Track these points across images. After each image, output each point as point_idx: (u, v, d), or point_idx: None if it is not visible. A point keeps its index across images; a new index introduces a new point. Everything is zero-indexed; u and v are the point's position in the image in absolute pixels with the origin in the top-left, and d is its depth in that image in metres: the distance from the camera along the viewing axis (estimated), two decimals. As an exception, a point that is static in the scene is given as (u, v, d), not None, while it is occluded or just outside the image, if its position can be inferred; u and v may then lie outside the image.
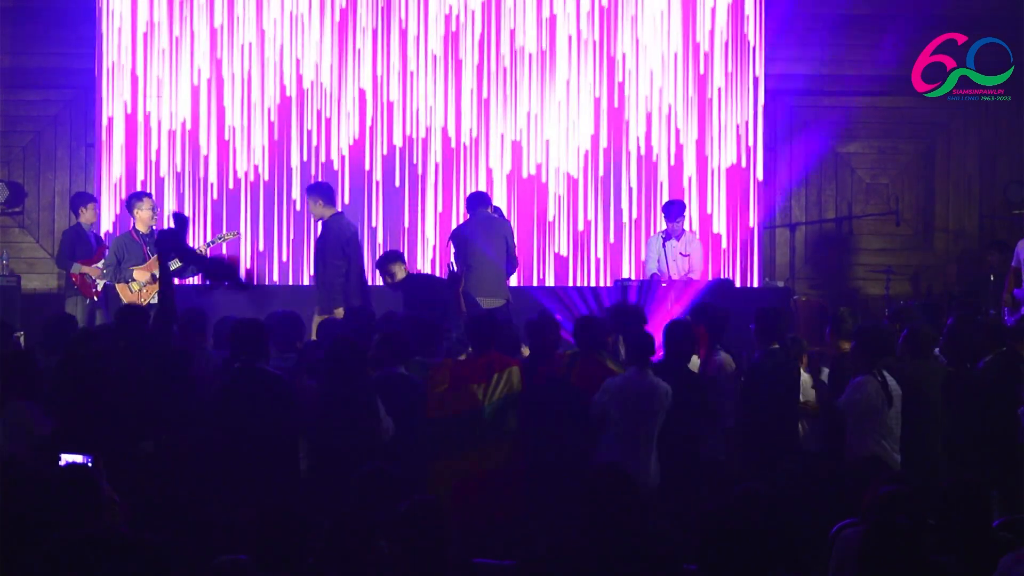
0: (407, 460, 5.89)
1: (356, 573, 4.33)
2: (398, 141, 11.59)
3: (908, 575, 4.40)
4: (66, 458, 4.81)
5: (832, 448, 6.39)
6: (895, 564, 4.40)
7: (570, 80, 11.58)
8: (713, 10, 11.61)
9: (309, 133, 11.57)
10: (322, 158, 11.56)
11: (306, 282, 11.09)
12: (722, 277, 11.23)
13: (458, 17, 11.58)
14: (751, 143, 11.60)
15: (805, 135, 11.95)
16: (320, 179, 11.21)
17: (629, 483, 4.58)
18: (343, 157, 11.60)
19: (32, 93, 11.74)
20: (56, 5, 11.64)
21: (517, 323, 7.34)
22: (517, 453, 6.24)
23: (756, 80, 11.59)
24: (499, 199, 11.15)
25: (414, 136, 11.57)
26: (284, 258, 11.48)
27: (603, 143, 11.61)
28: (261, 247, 11.57)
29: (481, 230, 9.56)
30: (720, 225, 11.61)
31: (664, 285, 9.92)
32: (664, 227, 10.69)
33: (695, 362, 6.79)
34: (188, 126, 11.54)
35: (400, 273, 8.82)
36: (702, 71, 11.61)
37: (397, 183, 11.56)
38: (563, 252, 11.63)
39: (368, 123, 11.56)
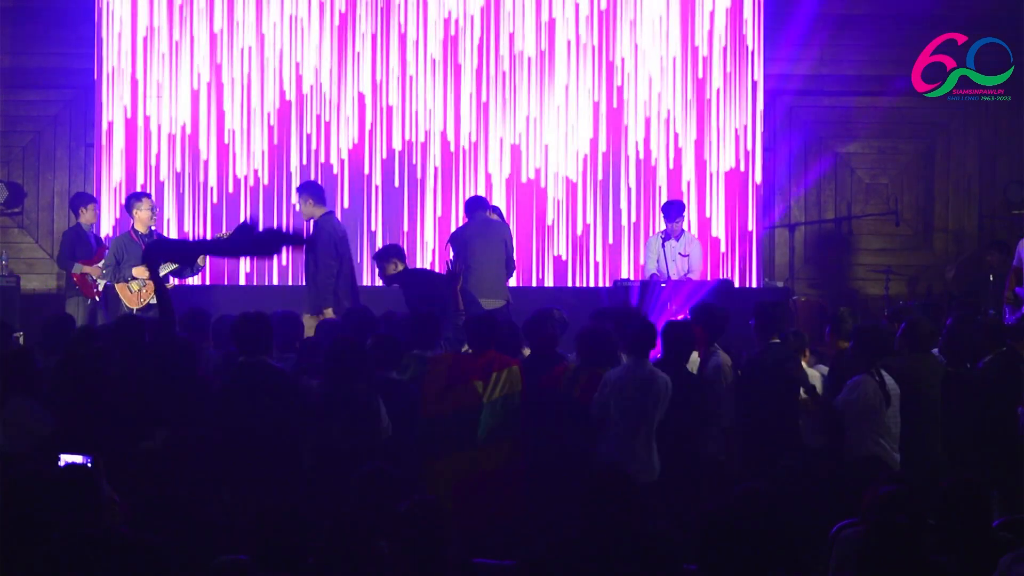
0: (403, 460, 5.88)
1: (356, 573, 4.33)
2: (397, 145, 11.60)
3: (908, 575, 4.40)
4: (66, 458, 4.81)
5: (832, 447, 6.38)
6: (895, 564, 4.40)
7: (569, 84, 11.60)
8: (712, 14, 11.63)
9: (308, 137, 11.58)
10: (321, 161, 11.57)
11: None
12: (722, 277, 11.23)
13: (457, 21, 11.60)
14: (750, 147, 11.62)
15: (804, 135, 11.97)
16: (320, 183, 11.21)
17: (629, 483, 4.57)
18: (342, 161, 11.62)
19: (32, 93, 11.76)
20: (56, 5, 11.66)
21: (518, 323, 7.32)
22: (517, 453, 6.24)
23: (755, 84, 11.61)
24: (498, 203, 11.15)
25: (413, 140, 11.59)
26: (284, 262, 11.49)
27: (602, 147, 11.62)
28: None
29: (480, 233, 9.58)
30: (719, 229, 11.62)
31: (663, 285, 9.92)
32: (663, 227, 10.71)
33: (695, 361, 6.79)
34: (188, 130, 11.56)
35: (399, 268, 8.84)
36: (701, 75, 11.63)
37: (396, 187, 11.57)
38: (562, 256, 11.64)
39: (367, 127, 11.58)
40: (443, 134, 11.59)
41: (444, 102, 11.58)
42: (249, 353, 5.95)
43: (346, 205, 11.56)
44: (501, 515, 6.14)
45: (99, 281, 9.99)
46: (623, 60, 11.61)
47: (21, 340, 9.18)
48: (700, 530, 4.35)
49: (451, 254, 9.62)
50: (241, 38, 11.56)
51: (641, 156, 11.64)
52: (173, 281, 10.18)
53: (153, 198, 10.40)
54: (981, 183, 11.98)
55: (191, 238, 11.24)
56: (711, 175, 11.64)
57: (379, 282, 9.56)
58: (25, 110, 11.81)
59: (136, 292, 9.48)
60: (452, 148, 11.60)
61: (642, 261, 11.23)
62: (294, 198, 11.44)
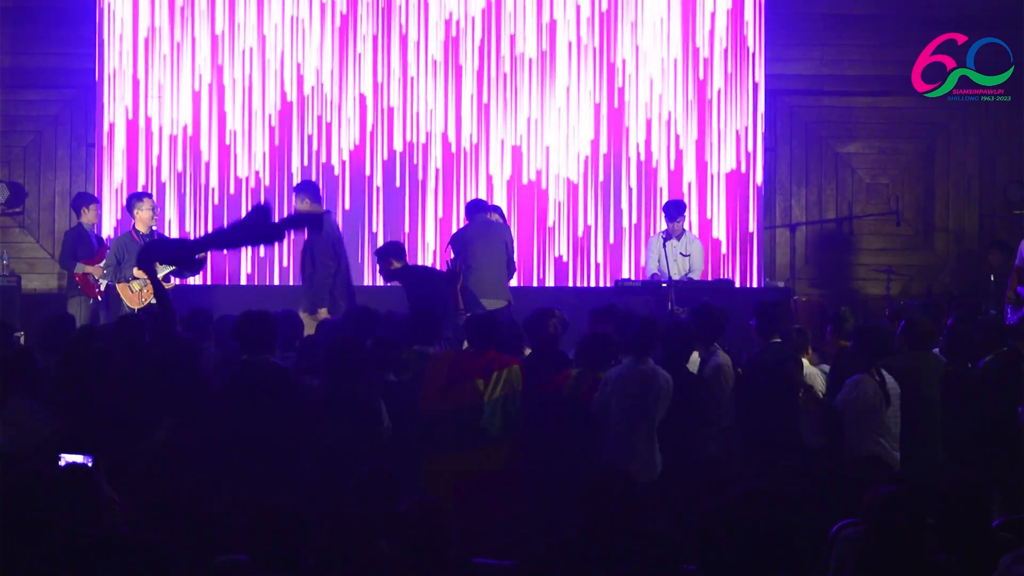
0: (403, 460, 5.88)
1: (356, 573, 4.34)
2: (398, 146, 11.61)
3: (908, 575, 4.40)
4: (66, 458, 4.81)
5: (832, 446, 6.38)
6: (895, 564, 4.41)
7: (570, 86, 11.60)
8: (713, 16, 11.64)
9: (310, 138, 11.59)
10: (323, 161, 11.58)
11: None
12: (722, 277, 11.23)
13: (458, 23, 11.61)
14: (751, 148, 11.62)
15: (805, 134, 11.97)
16: (321, 184, 11.23)
17: (629, 483, 4.58)
18: (344, 162, 11.62)
19: (32, 93, 11.77)
20: (56, 5, 11.68)
21: (519, 323, 7.31)
22: (517, 453, 6.24)
23: (756, 86, 11.61)
24: (499, 204, 11.15)
25: (414, 141, 11.60)
26: (285, 263, 11.49)
27: (603, 148, 11.63)
28: (262, 252, 11.58)
29: (481, 234, 9.59)
30: (720, 230, 11.62)
31: (664, 285, 9.92)
32: (664, 227, 10.72)
33: (695, 361, 6.79)
34: (189, 131, 11.57)
35: (400, 265, 8.85)
36: (702, 77, 11.63)
37: (397, 188, 11.58)
38: (563, 257, 11.64)
39: (369, 128, 11.59)
40: (444, 135, 11.59)
41: (445, 103, 11.58)
42: (252, 352, 5.96)
43: (347, 206, 11.57)
44: (501, 515, 6.14)
45: (101, 281, 10.00)
46: (624, 61, 11.61)
47: (21, 340, 9.18)
48: (700, 530, 4.36)
49: (451, 255, 9.62)
50: (242, 39, 11.57)
51: (642, 157, 11.64)
52: (174, 281, 10.19)
53: (154, 198, 10.40)
54: (981, 183, 11.97)
55: (191, 237, 11.25)
56: (712, 176, 11.64)
57: (380, 281, 9.57)
58: (25, 110, 11.82)
59: (137, 292, 9.49)
60: (453, 149, 11.61)
61: (643, 262, 11.23)
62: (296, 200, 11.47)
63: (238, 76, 11.55)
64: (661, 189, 11.59)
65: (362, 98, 11.58)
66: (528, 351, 6.81)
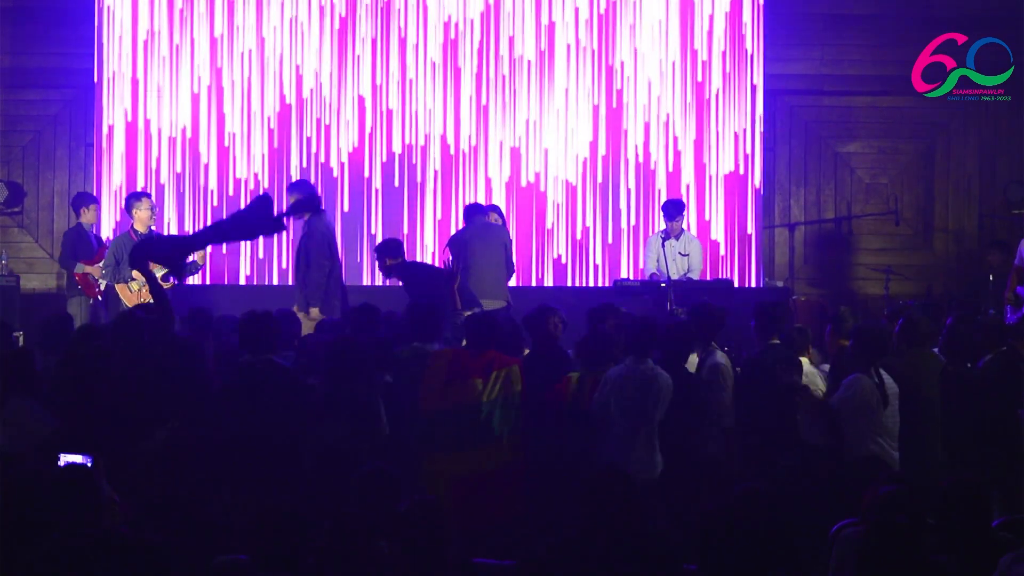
0: (402, 460, 5.88)
1: (356, 573, 4.34)
2: (397, 148, 11.61)
3: (908, 575, 4.40)
4: (66, 458, 4.81)
5: (832, 446, 6.38)
6: (895, 564, 4.41)
7: (569, 88, 11.60)
8: (711, 18, 11.64)
9: (309, 140, 11.59)
10: (321, 161, 11.58)
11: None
12: (721, 277, 11.23)
13: (457, 25, 11.61)
14: (749, 150, 11.62)
15: (804, 134, 11.98)
16: (319, 186, 11.25)
17: (629, 483, 4.58)
18: (342, 164, 11.63)
19: (32, 93, 11.77)
20: (56, 5, 11.68)
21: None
22: (517, 453, 6.23)
23: (754, 88, 11.62)
24: (498, 205, 11.16)
25: (413, 143, 11.60)
26: (284, 265, 11.49)
27: (601, 150, 11.63)
28: (261, 254, 11.58)
29: (479, 236, 9.61)
30: (718, 232, 11.63)
31: (663, 285, 9.92)
32: (663, 227, 10.72)
33: (693, 360, 6.78)
34: (188, 133, 11.57)
35: (398, 261, 8.87)
36: (700, 79, 11.64)
37: (396, 189, 11.58)
38: (562, 258, 11.64)
39: (367, 130, 11.59)
40: (443, 137, 11.60)
41: (444, 105, 11.59)
42: (254, 352, 5.95)
43: (346, 208, 11.57)
44: (501, 515, 6.14)
45: (101, 281, 10.00)
46: (623, 63, 11.61)
47: (21, 340, 9.17)
48: (700, 530, 4.36)
49: (449, 257, 9.63)
50: (241, 41, 11.57)
51: (640, 159, 11.64)
52: (173, 281, 10.17)
53: (153, 198, 10.40)
54: (981, 183, 11.98)
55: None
56: (710, 178, 11.64)
57: (379, 281, 9.58)
58: (25, 110, 11.82)
59: (136, 292, 9.49)
60: (452, 151, 11.61)
61: (642, 264, 11.23)
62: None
63: (237, 78, 11.55)
64: (659, 191, 11.59)
65: (361, 100, 11.59)
66: (527, 351, 6.80)
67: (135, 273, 9.42)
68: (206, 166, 11.60)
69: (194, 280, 10.80)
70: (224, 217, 9.42)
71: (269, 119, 11.58)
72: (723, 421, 6.56)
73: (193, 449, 5.15)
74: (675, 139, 11.63)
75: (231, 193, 11.57)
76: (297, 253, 9.42)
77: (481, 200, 11.12)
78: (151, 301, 8.40)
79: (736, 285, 11.14)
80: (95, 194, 11.17)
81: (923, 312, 7.51)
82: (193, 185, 11.58)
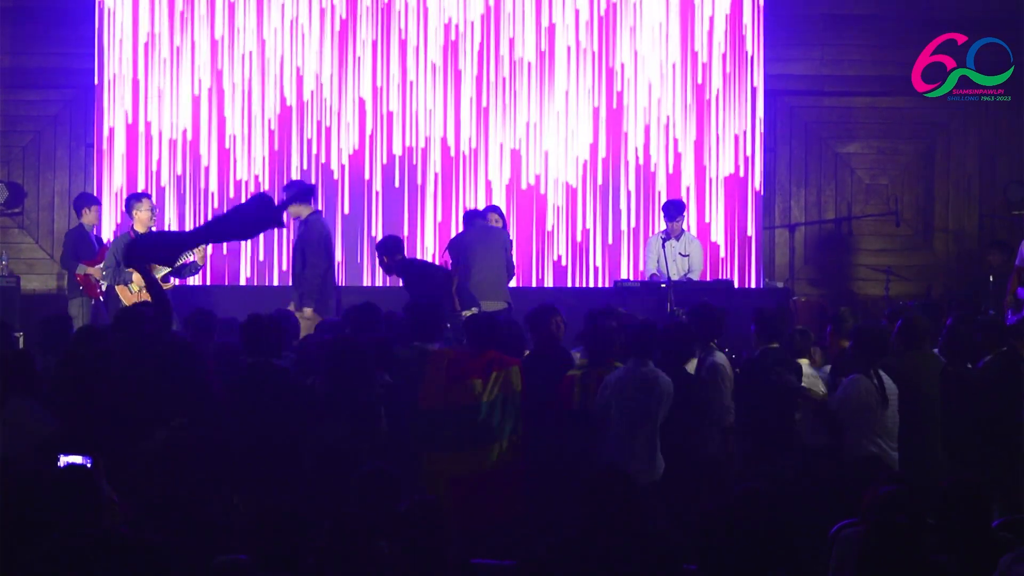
0: (401, 458, 5.88)
1: (356, 573, 4.34)
2: (398, 150, 11.62)
3: (908, 575, 4.40)
4: (66, 458, 4.81)
5: (832, 446, 6.38)
6: (895, 564, 4.41)
7: (569, 90, 11.61)
8: (711, 20, 11.65)
9: (309, 142, 11.60)
10: (322, 162, 11.59)
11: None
12: (722, 278, 11.23)
13: (457, 27, 11.62)
14: (749, 152, 11.63)
15: (804, 134, 11.99)
16: (320, 188, 11.26)
17: (629, 483, 4.58)
18: (343, 166, 11.63)
19: (32, 93, 11.78)
20: (56, 5, 11.69)
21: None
22: (517, 453, 6.23)
23: (754, 90, 11.62)
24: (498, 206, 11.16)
25: (414, 145, 11.61)
26: (284, 266, 11.50)
27: (602, 153, 11.63)
28: (261, 256, 11.59)
29: (479, 238, 9.63)
30: (718, 234, 11.63)
31: (663, 286, 9.93)
32: (663, 228, 10.72)
33: (693, 362, 6.78)
34: (189, 135, 11.58)
35: (398, 259, 8.90)
36: (700, 81, 11.64)
37: (397, 191, 11.59)
38: (562, 260, 11.65)
39: (368, 132, 11.60)
40: (443, 139, 11.60)
41: (444, 107, 11.59)
42: (256, 354, 5.96)
43: (346, 210, 11.57)
44: (501, 515, 6.14)
45: (102, 282, 10.01)
46: (623, 65, 11.62)
47: (21, 340, 9.18)
48: (700, 530, 4.36)
49: (448, 259, 9.65)
50: (242, 44, 11.59)
51: (641, 161, 11.64)
52: (173, 281, 10.18)
53: (153, 199, 10.41)
54: (981, 183, 11.98)
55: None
56: (710, 180, 11.64)
57: (379, 281, 9.59)
58: (25, 110, 11.83)
59: (136, 293, 9.49)
60: (452, 153, 11.61)
61: (642, 265, 11.24)
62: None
63: (238, 80, 11.56)
64: (660, 193, 11.59)
65: (361, 102, 11.59)
66: (527, 352, 6.80)
67: (135, 275, 9.43)
68: (207, 168, 11.61)
69: (194, 281, 10.81)
70: (222, 213, 9.43)
71: (270, 121, 11.59)
72: (723, 421, 6.56)
73: (193, 449, 5.15)
74: (675, 141, 11.63)
75: (232, 195, 11.58)
76: (294, 252, 9.47)
77: (481, 203, 11.14)
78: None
79: (736, 286, 11.14)
80: (95, 195, 11.18)
81: (923, 312, 7.51)
82: (194, 187, 11.59)
